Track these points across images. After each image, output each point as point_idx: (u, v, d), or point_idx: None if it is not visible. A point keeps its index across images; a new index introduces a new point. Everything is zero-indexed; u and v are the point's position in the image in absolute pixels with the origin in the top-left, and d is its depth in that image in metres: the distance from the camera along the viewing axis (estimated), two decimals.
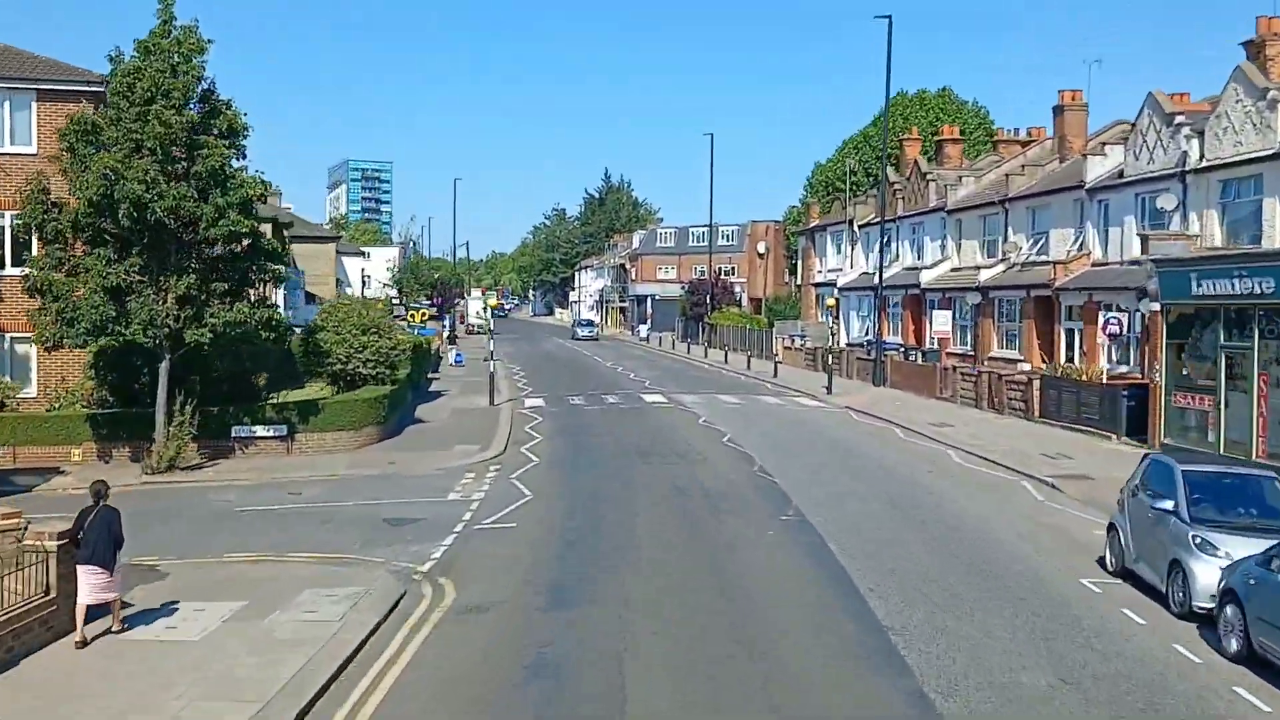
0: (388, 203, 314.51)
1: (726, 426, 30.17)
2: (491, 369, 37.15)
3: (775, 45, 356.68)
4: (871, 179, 69.36)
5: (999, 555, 15.78)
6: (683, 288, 79.68)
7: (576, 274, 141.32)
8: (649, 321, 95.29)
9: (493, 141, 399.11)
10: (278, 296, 66.38)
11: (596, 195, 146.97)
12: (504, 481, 22.16)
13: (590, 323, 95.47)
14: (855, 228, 57.43)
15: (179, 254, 22.98)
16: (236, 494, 21.29)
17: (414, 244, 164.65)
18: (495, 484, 21.89)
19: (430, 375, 47.27)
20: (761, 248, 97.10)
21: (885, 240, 46.96)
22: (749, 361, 53.33)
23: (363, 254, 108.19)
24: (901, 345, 46.75)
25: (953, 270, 46.42)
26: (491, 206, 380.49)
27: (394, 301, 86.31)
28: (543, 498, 20.47)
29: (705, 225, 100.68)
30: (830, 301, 41.47)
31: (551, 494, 20.93)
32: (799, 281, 70.95)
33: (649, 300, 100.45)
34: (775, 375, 47.53)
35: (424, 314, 49.65)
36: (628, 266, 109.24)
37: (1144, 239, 29.43)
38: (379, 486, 21.76)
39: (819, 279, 62.71)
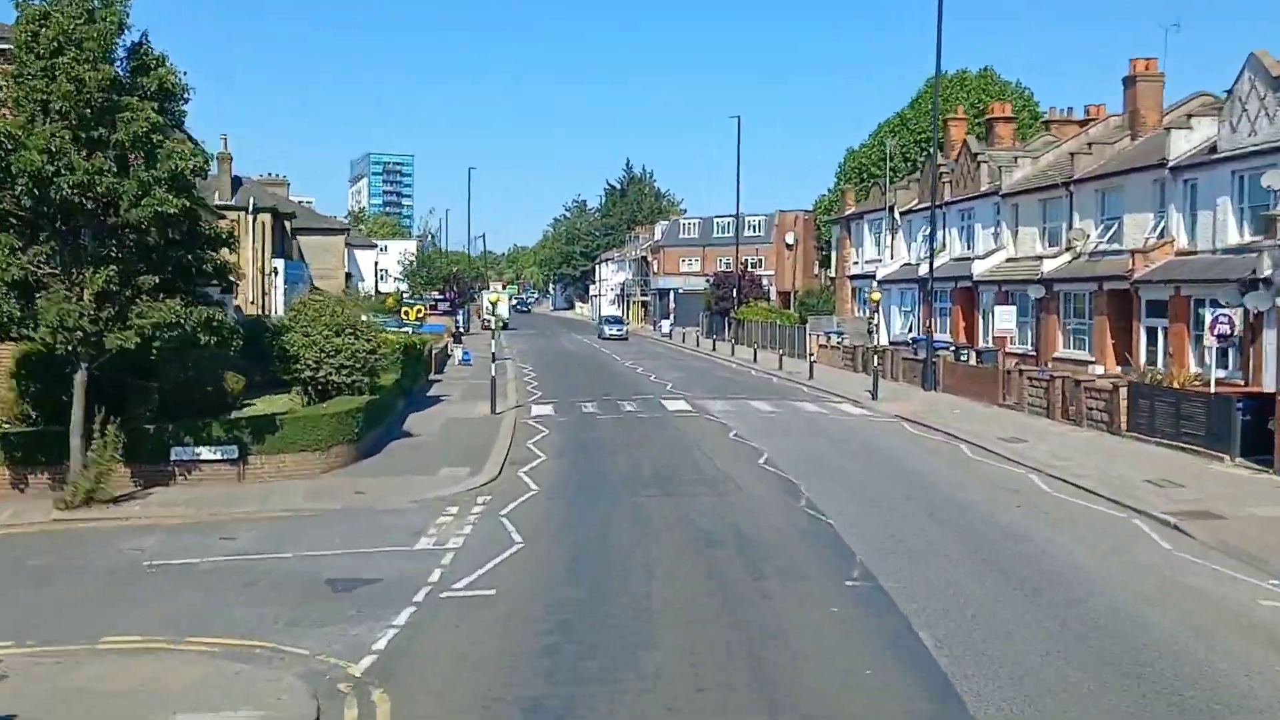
0: (409, 196, 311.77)
1: (762, 442, 25.82)
2: (493, 372, 32.85)
3: (801, 33, 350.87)
4: (910, 164, 64.69)
5: (1163, 656, 11.30)
6: (707, 281, 75.28)
7: (597, 267, 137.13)
8: (671, 316, 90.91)
9: (515, 133, 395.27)
10: (277, 290, 62.56)
11: (618, 186, 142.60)
12: (491, 521, 17.89)
13: (618, 320, 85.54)
14: (896, 215, 52.85)
15: (96, 241, 18.84)
16: (158, 539, 17.10)
17: (432, 237, 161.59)
18: (480, 525, 17.62)
19: (433, 377, 43.19)
20: (790, 239, 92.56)
21: (933, 227, 42.39)
22: (780, 361, 48.90)
23: (376, 246, 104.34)
24: (952, 344, 42.18)
25: (1008, 261, 41.82)
26: (514, 199, 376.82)
27: (404, 296, 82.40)
28: (536, 546, 16.20)
29: (731, 215, 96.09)
30: (874, 295, 36.97)
31: (547, 541, 16.66)
32: (832, 274, 66.39)
33: (671, 294, 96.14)
34: (811, 377, 43.11)
35: (420, 310, 45.32)
36: (649, 259, 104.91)
37: (1272, 220, 24.77)
38: (335, 528, 17.53)
39: (855, 271, 58.15)
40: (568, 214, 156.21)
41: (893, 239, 53.35)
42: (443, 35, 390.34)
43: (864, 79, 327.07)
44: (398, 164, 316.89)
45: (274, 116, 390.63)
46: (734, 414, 31.57)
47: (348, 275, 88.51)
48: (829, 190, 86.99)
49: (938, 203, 47.07)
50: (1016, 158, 43.44)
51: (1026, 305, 38.94)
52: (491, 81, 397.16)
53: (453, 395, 37.20)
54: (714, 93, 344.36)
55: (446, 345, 53.77)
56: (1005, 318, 34.31)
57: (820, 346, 50.87)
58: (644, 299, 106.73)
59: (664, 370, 47.80)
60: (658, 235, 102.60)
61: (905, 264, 51.67)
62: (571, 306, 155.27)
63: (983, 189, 44.58)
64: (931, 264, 41.26)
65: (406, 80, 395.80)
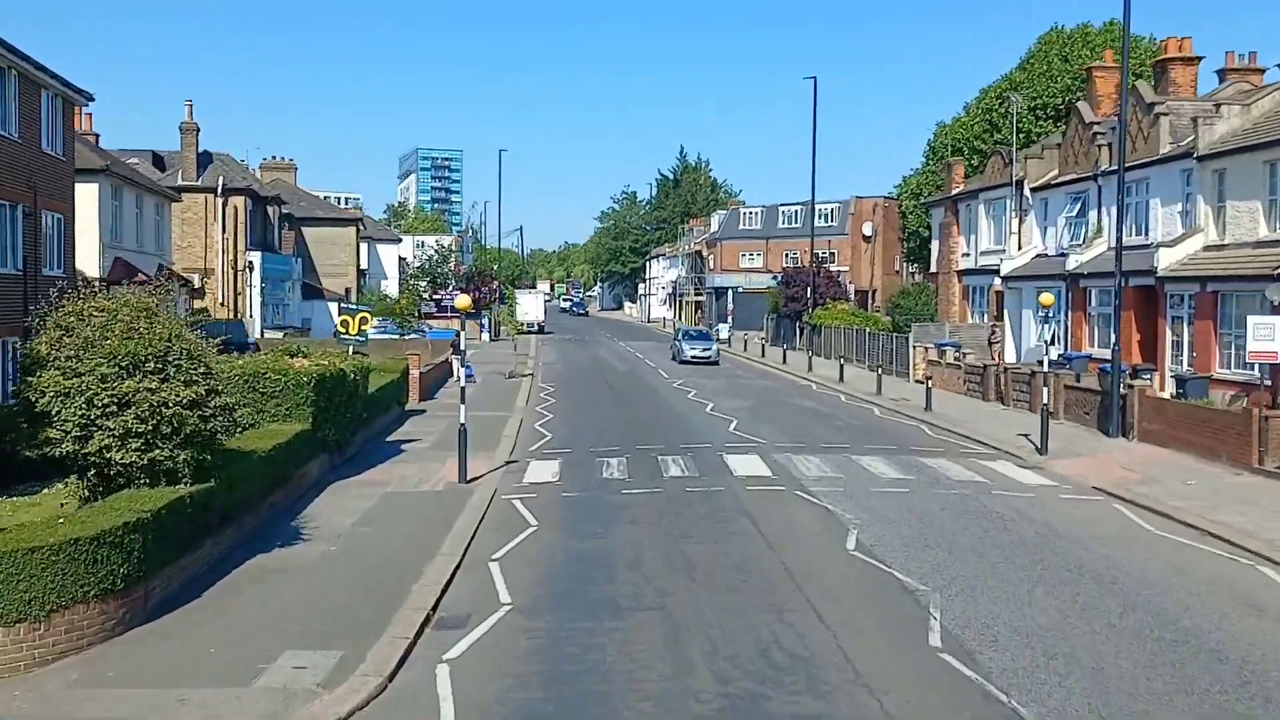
0: (458, 192, 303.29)
1: (915, 566, 14.19)
2: (463, 417, 21.28)
3: (872, 8, 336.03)
4: (1025, 136, 52.41)
5: None
6: (775, 278, 63.38)
7: (647, 264, 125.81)
8: (730, 319, 79.52)
9: (567, 125, 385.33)
10: (253, 289, 51.96)
11: (670, 175, 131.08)
12: None
13: (704, 336, 54.43)
14: (1027, 192, 40.73)
15: None
16: None
17: (474, 232, 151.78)
18: None
19: (416, 406, 32.09)
20: (867, 229, 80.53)
21: (1120, 204, 30.19)
22: (879, 382, 36.97)
23: (400, 241, 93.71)
24: (1127, 367, 30.04)
25: (1210, 249, 29.70)
26: (566, 194, 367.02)
27: (423, 295, 71.67)
28: None
29: (800, 204, 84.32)
30: (1045, 299, 24.88)
31: None
32: (928, 268, 54.22)
33: (729, 294, 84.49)
34: (928, 408, 31.30)
35: (365, 319, 33.95)
36: (705, 254, 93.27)
37: None
38: None
39: (967, 264, 46.09)
40: (616, 206, 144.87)
41: (1020, 223, 41.25)
42: (493, 29, 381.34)
43: (943, 52, 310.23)
44: (446, 159, 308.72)
45: (324, 110, 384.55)
46: (840, 487, 19.90)
47: (361, 272, 78.10)
48: (917, 169, 74.66)
49: (1086, 173, 35.05)
50: (1219, 104, 31.23)
51: (1246, 310, 26.79)
52: (542, 73, 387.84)
53: (424, 440, 25.95)
54: (773, 76, 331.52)
55: (448, 359, 42.71)
56: (1265, 334, 22.08)
57: (930, 363, 38.94)
58: (697, 299, 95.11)
59: (724, 395, 36.25)
60: (714, 227, 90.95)
61: (1040, 255, 39.60)
62: (620, 306, 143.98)
63: (1163, 151, 32.49)
64: (1120, 247, 29.25)
65: (456, 75, 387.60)
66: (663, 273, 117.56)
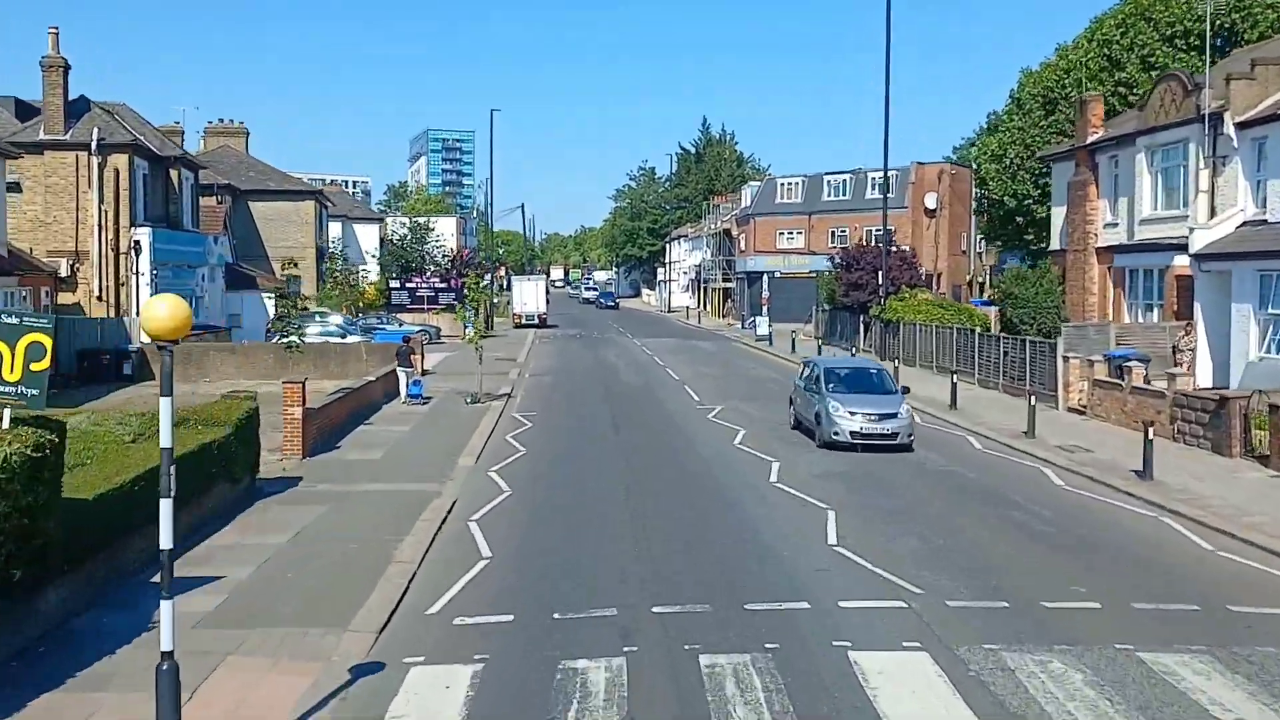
0: (470, 174, 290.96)
1: None
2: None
3: None
4: (1153, 69, 39.20)
5: None
6: (830, 260, 50.16)
7: (667, 247, 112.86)
8: (766, 310, 66.76)
9: (583, 105, 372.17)
10: (140, 276, 39.35)
11: (692, 149, 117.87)
12: None
13: (872, 379, 24.18)
14: (1229, 129, 27.60)
15: None
16: None
17: (480, 215, 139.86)
18: None
19: (287, 473, 19.43)
20: (930, 201, 67.37)
21: None
22: (1031, 418, 23.65)
23: (382, 220, 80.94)
24: None
25: None
26: (582, 177, 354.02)
27: (392, 283, 58.96)
28: None
29: (848, 172, 71.16)
30: None
31: None
32: (1054, 243, 40.99)
33: (764, 279, 71.48)
34: (1149, 473, 18.34)
35: (32, 349, 20.53)
36: (734, 233, 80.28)
37: None
38: None
39: (1114, 239, 33.02)
40: (633, 184, 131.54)
41: (1215, 175, 28.17)
42: (498, 6, 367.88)
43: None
44: (458, 141, 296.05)
45: (335, 90, 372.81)
46: None
47: (325, 254, 65.52)
48: (993, 118, 61.25)
49: None
50: None
51: None
52: (555, 50, 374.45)
53: (226, 578, 13.02)
54: (804, 40, 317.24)
55: (395, 372, 30.16)
56: None
57: (1095, 384, 25.93)
58: (726, 284, 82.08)
59: (780, 430, 23.53)
60: (746, 201, 77.81)
61: (1253, 221, 26.57)
62: (637, 293, 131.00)
63: None
64: None
65: (467, 54, 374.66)
66: (685, 256, 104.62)
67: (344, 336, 38.60)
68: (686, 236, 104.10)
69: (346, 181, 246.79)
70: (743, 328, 67.27)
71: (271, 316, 45.37)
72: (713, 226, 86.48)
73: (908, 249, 49.30)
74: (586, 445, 22.74)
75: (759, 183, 75.15)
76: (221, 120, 63.98)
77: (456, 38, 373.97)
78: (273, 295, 47.19)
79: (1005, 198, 55.73)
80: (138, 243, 37.33)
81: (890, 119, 41.10)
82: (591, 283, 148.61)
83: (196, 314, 42.46)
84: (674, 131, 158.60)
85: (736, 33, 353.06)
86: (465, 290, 29.51)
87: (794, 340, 47.46)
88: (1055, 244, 37.89)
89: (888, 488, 18.60)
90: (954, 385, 27.83)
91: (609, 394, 32.02)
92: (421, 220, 69.94)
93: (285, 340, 35.48)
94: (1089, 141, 34.57)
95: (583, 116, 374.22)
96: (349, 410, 24.91)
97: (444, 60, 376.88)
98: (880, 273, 41.59)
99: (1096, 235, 34.13)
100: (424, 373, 36.42)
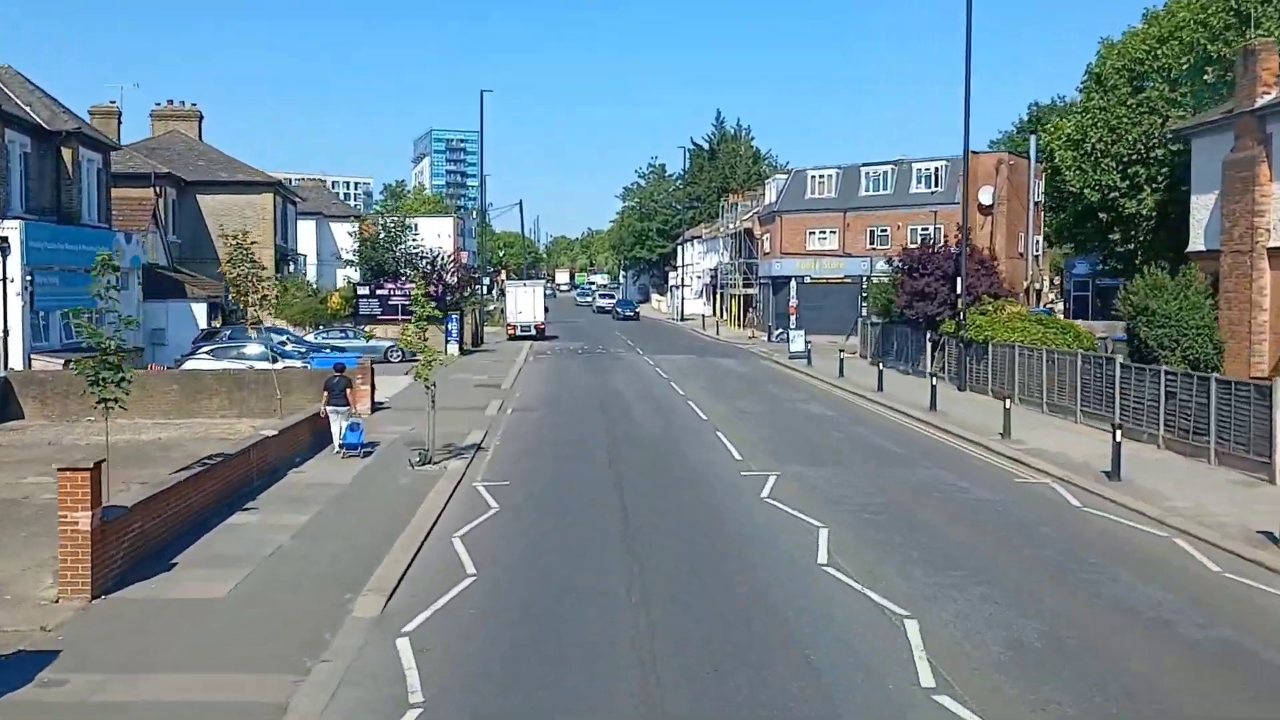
0: (474, 176, 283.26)
1: None
2: None
3: None
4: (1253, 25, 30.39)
5: None
6: (891, 265, 41.27)
7: (679, 249, 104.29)
8: (795, 320, 58.15)
9: (592, 104, 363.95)
10: (8, 284, 30.57)
11: (705, 145, 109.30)
12: None
13: None
14: None
15: None
16: None
17: (476, 213, 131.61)
18: None
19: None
20: (986, 196, 58.61)
21: None
22: None
23: (358, 217, 72.36)
24: None
25: None
26: (589, 180, 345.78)
27: (361, 289, 50.31)
28: None
29: (890, 163, 62.43)
30: None
31: None
32: (1194, 244, 32.22)
33: (791, 285, 62.96)
34: None
35: None
36: (756, 233, 71.60)
37: None
38: None
39: None
40: (642, 182, 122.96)
41: None
42: (504, 6, 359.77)
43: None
44: (462, 141, 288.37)
45: (337, 90, 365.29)
46: None
47: (281, 256, 57.01)
48: (1058, 105, 52.53)
49: None
50: None
51: None
52: (559, 49, 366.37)
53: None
54: (820, 31, 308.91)
55: (321, 413, 21.64)
56: None
57: None
58: (746, 291, 73.30)
59: (907, 558, 14.91)
60: (770, 197, 69.05)
61: None
62: (646, 299, 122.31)
63: None
64: None
65: (470, 53, 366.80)
66: (698, 259, 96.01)
67: (274, 360, 29.95)
68: (700, 238, 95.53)
69: (350, 184, 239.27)
70: (769, 341, 58.59)
71: (199, 332, 36.86)
72: (731, 226, 77.79)
73: (986, 252, 40.38)
74: (579, 565, 13.99)
75: (786, 176, 66.28)
76: (170, 102, 55.52)
77: (459, 36, 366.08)
78: (205, 303, 38.71)
79: (1085, 190, 47.10)
80: (4, 239, 28.76)
81: (969, 90, 32.32)
82: (605, 289, 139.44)
83: (102, 328, 34.15)
84: (685, 128, 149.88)
85: (748, 25, 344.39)
86: (414, 303, 20.73)
87: (841, 361, 38.69)
88: (1198, 244, 29.16)
89: (1126, 684, 9.93)
90: (1116, 447, 19.02)
91: (615, 446, 23.36)
92: (398, 217, 60.97)
93: (78, 367, 27.05)
94: (1258, 105, 25.85)
95: (590, 116, 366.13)
96: (218, 491, 16.28)
97: (447, 60, 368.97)
98: (959, 279, 32.78)
99: (1269, 231, 25.43)
100: (376, 407, 27.88)
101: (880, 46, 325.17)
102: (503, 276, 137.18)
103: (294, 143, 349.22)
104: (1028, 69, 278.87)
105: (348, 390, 22.69)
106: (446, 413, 24.20)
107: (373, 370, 28.46)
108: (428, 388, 20.52)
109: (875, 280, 45.82)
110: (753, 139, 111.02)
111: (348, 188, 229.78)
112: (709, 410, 28.80)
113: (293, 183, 73.28)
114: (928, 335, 36.37)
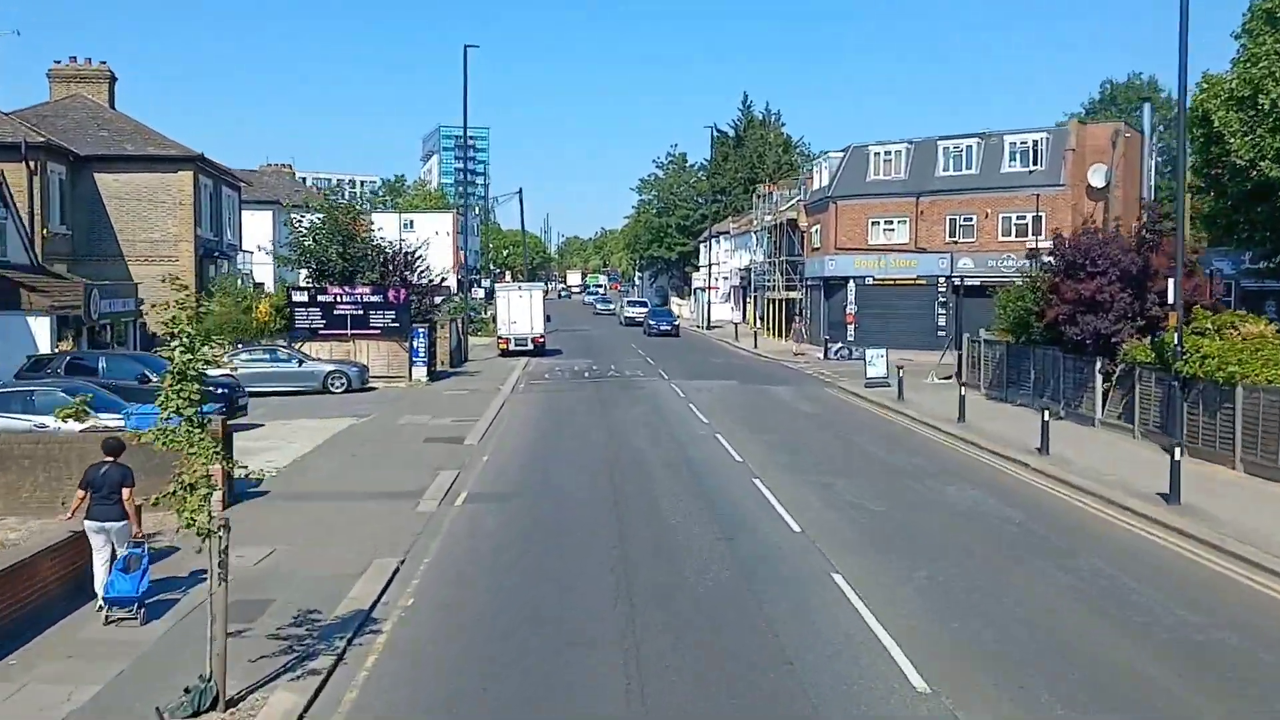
0: (484, 173, 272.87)
1: None
2: None
3: None
4: None
5: None
6: (1031, 262, 29.12)
7: (702, 247, 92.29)
8: (850, 330, 46.08)
9: (605, 100, 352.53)
10: None
11: (731, 131, 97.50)
12: None
13: None
14: None
15: None
16: None
17: (480, 210, 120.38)
18: None
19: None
20: (1096, 176, 46.83)
21: None
22: None
23: (304, 206, 60.68)
24: None
25: None
26: (604, 178, 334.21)
27: (298, 294, 38.46)
28: None
29: (974, 136, 50.47)
30: None
31: None
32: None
33: (849, 287, 51.40)
34: None
35: None
36: (802, 224, 59.67)
37: None
38: None
39: None
40: (660, 173, 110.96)
41: None
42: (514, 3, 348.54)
43: None
44: (471, 138, 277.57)
45: (341, 89, 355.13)
46: None
47: (220, 251, 45.44)
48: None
49: None
50: None
51: None
52: (573, 44, 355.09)
53: None
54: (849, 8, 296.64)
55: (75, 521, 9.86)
56: None
57: None
58: (789, 293, 61.23)
59: None
60: (821, 180, 57.05)
61: None
62: (665, 302, 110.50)
63: None
64: None
65: (481, 51, 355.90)
66: (726, 257, 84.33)
67: (82, 417, 18.26)
68: (729, 233, 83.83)
69: (355, 180, 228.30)
70: (825, 358, 46.67)
71: (26, 360, 25.23)
72: (769, 217, 65.88)
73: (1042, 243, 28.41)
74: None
75: (841, 154, 54.38)
76: (74, 59, 44.03)
77: (465, 35, 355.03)
78: (47, 316, 27.13)
79: (1262, 162, 35.00)
80: None
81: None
82: (619, 292, 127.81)
83: None
84: (708, 113, 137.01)
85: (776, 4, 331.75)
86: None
87: (962, 401, 26.70)
88: None
89: None
90: None
91: (635, 611, 11.65)
92: (342, 201, 49.17)
93: None
94: None
95: (605, 112, 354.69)
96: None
97: (456, 54, 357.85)
98: (1172, 282, 20.82)
99: None
100: (252, 482, 16.30)
101: (918, 25, 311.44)
102: (507, 278, 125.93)
103: (306, 142, 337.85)
104: (1102, 42, 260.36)
105: (125, 490, 11.44)
106: (345, 505, 12.57)
107: (229, 435, 16.67)
108: (203, 542, 8.79)
109: (1004, 287, 33.58)
110: (783, 125, 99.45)
111: (352, 186, 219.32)
112: (793, 502, 17.03)
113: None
114: (1098, 364, 24.49)
